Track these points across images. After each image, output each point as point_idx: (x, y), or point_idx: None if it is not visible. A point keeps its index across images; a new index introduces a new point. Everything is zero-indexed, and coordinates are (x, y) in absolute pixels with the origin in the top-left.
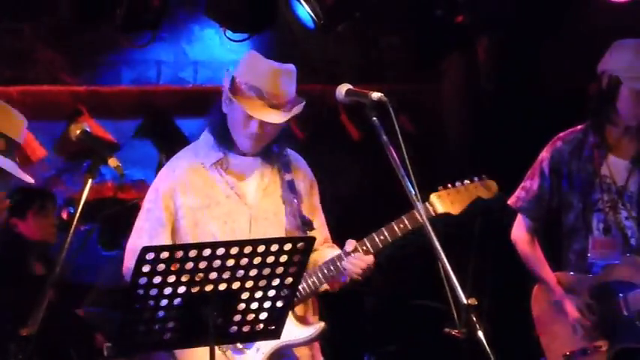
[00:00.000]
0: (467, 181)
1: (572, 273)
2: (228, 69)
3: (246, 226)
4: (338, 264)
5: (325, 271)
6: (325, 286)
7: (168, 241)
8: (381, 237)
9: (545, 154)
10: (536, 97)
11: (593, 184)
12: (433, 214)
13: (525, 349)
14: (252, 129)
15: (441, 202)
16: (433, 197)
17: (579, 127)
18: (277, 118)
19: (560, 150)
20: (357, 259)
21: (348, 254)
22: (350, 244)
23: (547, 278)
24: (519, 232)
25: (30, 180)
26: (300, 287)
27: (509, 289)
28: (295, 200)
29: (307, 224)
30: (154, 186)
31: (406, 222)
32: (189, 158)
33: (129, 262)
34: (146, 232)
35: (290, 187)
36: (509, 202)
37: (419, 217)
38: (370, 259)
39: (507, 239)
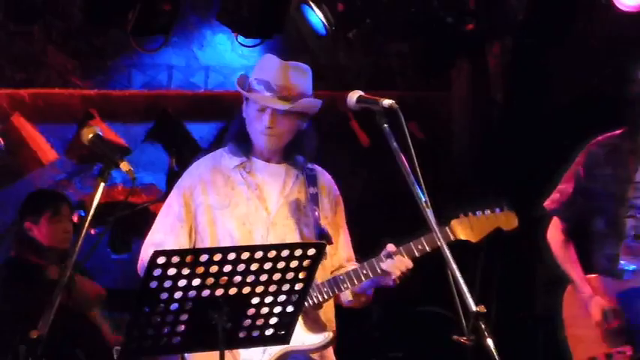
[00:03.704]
0: (488, 211)
1: (602, 277)
2: (241, 74)
3: (264, 231)
4: (376, 265)
5: (359, 273)
6: (349, 296)
7: (185, 237)
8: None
9: (581, 158)
10: (544, 106)
11: (626, 189)
12: (452, 239)
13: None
14: (265, 122)
15: (462, 229)
16: (454, 223)
17: (617, 132)
18: (283, 106)
19: (596, 154)
20: (399, 261)
21: (389, 256)
22: (391, 246)
23: (577, 279)
24: (554, 233)
25: None
26: (324, 292)
27: (516, 295)
28: (316, 213)
29: (325, 237)
30: (177, 184)
31: (424, 244)
32: (213, 160)
33: (145, 255)
34: (163, 226)
35: (312, 199)
36: (544, 204)
37: (437, 241)
38: (410, 263)
39: (514, 245)
